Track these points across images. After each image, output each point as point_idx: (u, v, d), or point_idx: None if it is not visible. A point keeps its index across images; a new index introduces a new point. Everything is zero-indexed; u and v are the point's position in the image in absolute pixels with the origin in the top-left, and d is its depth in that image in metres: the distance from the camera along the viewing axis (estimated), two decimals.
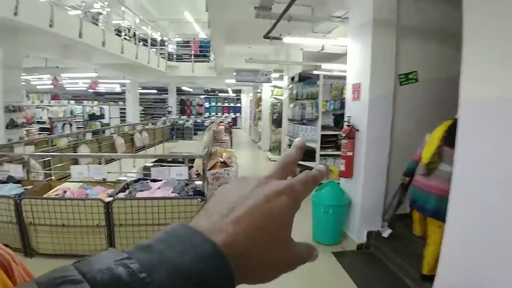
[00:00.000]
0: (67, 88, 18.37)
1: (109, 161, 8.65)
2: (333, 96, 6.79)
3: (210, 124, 11.30)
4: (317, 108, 6.59)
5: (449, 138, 2.56)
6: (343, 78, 7.12)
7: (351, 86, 4.08)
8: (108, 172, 4.16)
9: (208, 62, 14.02)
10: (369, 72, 3.69)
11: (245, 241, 0.31)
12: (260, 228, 0.32)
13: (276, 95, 10.36)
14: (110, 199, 3.33)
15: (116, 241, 3.32)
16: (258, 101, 13.76)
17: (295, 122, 7.13)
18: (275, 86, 10.40)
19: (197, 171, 4.86)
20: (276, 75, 9.39)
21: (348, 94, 4.22)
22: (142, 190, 3.50)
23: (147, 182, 3.64)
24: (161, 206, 3.25)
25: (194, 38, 14.92)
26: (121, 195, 3.50)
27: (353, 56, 4.12)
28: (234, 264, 0.28)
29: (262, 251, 0.32)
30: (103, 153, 6.73)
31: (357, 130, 3.87)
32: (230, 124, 17.94)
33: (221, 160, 5.06)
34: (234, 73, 8.72)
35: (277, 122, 10.16)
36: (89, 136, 8.42)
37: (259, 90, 13.79)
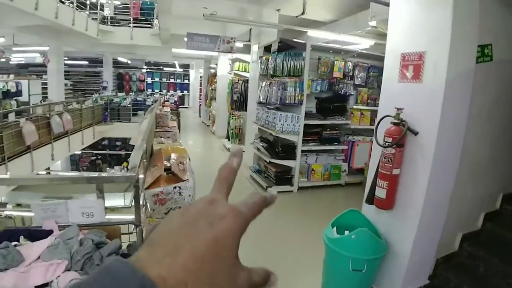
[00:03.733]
0: None
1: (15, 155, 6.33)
2: (321, 73, 5.17)
3: (153, 104, 9.13)
4: (301, 88, 4.92)
5: None
6: (331, 51, 5.55)
7: (398, 57, 2.42)
8: None
9: (151, 27, 11.65)
10: (448, 34, 2.05)
11: (182, 273, 0.28)
12: (201, 258, 0.29)
13: (238, 70, 8.44)
14: None
15: None
16: (212, 78, 11.72)
17: (270, 106, 5.40)
18: (236, 60, 8.47)
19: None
20: (240, 44, 7.48)
21: (388, 71, 2.57)
22: (6, 269, 1.58)
23: (15, 245, 1.70)
24: None
25: (134, 1, 12.36)
26: None
27: (403, 9, 2.45)
28: None
29: (202, 281, 0.29)
30: None
31: (416, 133, 2.25)
32: (177, 103, 15.70)
33: (168, 165, 3.12)
34: (185, 39, 6.64)
35: (237, 104, 8.34)
36: None
37: (212, 65, 11.73)
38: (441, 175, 2.29)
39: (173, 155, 3.18)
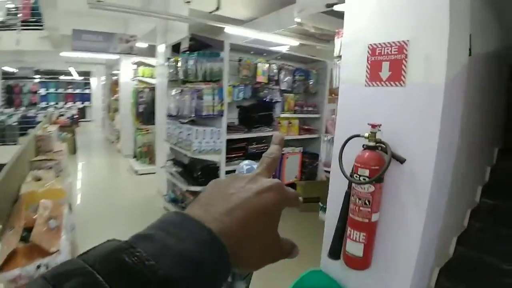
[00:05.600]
0: None
1: None
2: (243, 78, 4.37)
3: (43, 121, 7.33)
4: (221, 96, 4.04)
5: None
6: (253, 52, 4.76)
7: (363, 51, 1.69)
8: None
9: (41, 29, 9.63)
10: (446, 13, 1.36)
11: (238, 231, 0.33)
12: (251, 220, 0.34)
13: (142, 76, 7.19)
14: None
15: None
16: (113, 86, 10.13)
17: (183, 120, 4.41)
18: (141, 64, 7.21)
19: None
20: (144, 45, 6.29)
21: (348, 70, 1.83)
22: None
23: None
24: None
25: (25, 0, 10.12)
26: None
27: None
28: (228, 251, 0.30)
29: (253, 240, 0.34)
30: None
31: (403, 161, 1.52)
32: (76, 117, 13.58)
33: (33, 218, 2.00)
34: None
35: (144, 116, 7.11)
36: None
37: (114, 71, 10.17)
38: (435, 213, 1.61)
39: (42, 205, 2.01)
